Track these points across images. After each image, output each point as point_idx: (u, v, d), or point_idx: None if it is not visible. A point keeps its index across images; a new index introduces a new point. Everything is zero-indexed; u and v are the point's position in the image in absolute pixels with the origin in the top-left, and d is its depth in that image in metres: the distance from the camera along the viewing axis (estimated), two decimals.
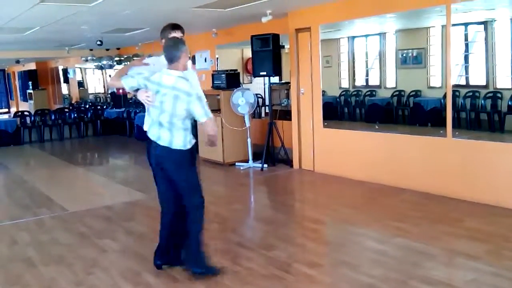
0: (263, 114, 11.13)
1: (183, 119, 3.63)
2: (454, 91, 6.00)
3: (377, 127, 8.12)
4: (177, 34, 3.91)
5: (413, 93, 9.99)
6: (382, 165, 6.55)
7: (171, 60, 3.60)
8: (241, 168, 8.25)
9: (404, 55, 10.15)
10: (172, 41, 3.70)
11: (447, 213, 5.24)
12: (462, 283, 3.56)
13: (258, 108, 10.49)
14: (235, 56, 11.85)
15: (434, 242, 4.37)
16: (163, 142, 3.65)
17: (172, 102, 3.56)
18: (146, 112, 3.92)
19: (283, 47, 8.67)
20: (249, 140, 8.33)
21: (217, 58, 10.72)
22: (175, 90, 3.55)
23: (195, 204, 3.73)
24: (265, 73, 7.98)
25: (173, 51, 3.60)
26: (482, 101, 8.48)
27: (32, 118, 13.73)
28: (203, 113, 3.58)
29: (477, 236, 4.49)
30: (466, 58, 8.90)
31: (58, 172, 9.18)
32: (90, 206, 6.21)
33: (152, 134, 3.73)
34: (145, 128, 3.88)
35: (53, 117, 13.94)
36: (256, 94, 9.42)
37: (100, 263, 4.22)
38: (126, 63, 13.70)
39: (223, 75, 8.73)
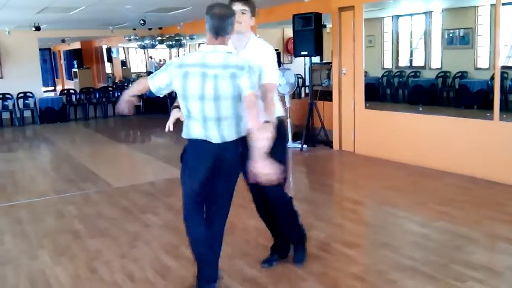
0: (303, 95, 11.08)
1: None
2: (502, 73, 5.80)
3: (420, 109, 7.95)
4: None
5: (459, 74, 9.70)
6: (426, 148, 6.43)
7: (218, 33, 2.89)
8: None
9: (451, 35, 9.84)
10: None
11: (491, 198, 5.12)
12: (503, 268, 3.49)
13: (298, 89, 10.44)
14: (275, 35, 11.78)
15: (477, 227, 4.29)
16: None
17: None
18: None
19: (325, 26, 8.55)
20: (288, 120, 8.30)
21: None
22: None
23: None
24: (306, 53, 7.90)
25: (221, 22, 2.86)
26: None
27: (78, 96, 14.12)
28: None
29: None
30: None
31: (102, 148, 9.44)
32: (133, 182, 6.36)
33: None
34: None
35: (97, 96, 14.28)
36: (296, 74, 9.36)
37: (142, 236, 4.34)
38: (170, 42, 13.81)
39: None
